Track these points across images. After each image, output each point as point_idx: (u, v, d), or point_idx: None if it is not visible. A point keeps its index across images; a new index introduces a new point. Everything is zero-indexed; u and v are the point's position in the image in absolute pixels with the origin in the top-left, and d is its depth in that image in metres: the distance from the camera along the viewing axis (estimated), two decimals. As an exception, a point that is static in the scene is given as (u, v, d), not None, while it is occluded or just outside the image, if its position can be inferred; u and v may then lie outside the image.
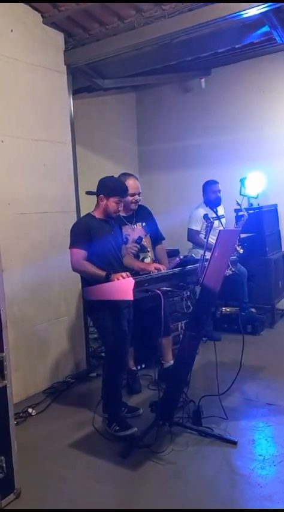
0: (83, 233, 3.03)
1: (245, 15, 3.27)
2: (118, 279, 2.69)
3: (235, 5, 3.22)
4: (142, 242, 3.62)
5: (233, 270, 3.15)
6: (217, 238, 2.67)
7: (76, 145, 5.00)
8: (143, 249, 3.66)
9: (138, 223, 3.70)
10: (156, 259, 3.75)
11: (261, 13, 3.32)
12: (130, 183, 3.50)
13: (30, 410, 3.40)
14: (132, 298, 2.43)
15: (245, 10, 3.20)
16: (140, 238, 3.55)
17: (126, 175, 3.63)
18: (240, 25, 3.64)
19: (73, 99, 4.25)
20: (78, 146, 5.34)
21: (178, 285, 2.76)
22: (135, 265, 3.32)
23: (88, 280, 3.01)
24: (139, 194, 3.61)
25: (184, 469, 2.64)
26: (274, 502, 2.32)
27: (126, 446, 2.85)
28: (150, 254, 3.73)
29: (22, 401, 3.56)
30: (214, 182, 4.87)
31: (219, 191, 4.85)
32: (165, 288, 2.61)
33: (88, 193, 3.32)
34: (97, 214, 3.14)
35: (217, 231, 2.75)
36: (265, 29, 3.65)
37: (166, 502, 2.37)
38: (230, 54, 5.19)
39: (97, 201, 3.14)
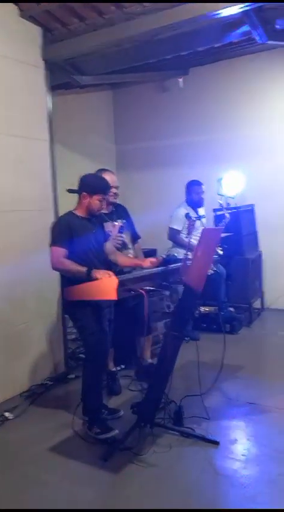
0: (64, 231, 2.96)
1: (225, 14, 3.25)
2: (100, 276, 2.63)
3: (215, 3, 3.21)
4: (124, 239, 3.61)
5: (214, 269, 3.13)
6: (201, 237, 2.65)
7: (54, 143, 4.93)
8: (124, 245, 3.64)
9: (118, 220, 3.69)
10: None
11: (242, 12, 3.32)
12: (107, 177, 3.49)
13: (7, 414, 3.30)
14: (116, 298, 2.38)
15: (225, 8, 3.19)
16: (122, 228, 3.57)
17: (102, 170, 3.65)
18: (220, 24, 3.63)
19: (50, 96, 4.16)
20: (56, 144, 5.26)
21: (161, 284, 2.71)
22: (130, 263, 3.29)
23: (69, 280, 2.93)
24: (117, 188, 3.64)
25: (167, 471, 2.60)
26: (258, 503, 2.30)
27: (107, 449, 2.79)
28: (131, 251, 3.73)
29: (-1, 404, 3.46)
30: (198, 183, 4.87)
31: (203, 192, 4.85)
32: (148, 288, 2.56)
33: (69, 191, 3.25)
34: (79, 213, 3.08)
35: (198, 231, 2.73)
36: (245, 28, 3.66)
37: (149, 505, 2.33)
38: (208, 53, 5.21)
39: (80, 199, 3.07)
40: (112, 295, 2.35)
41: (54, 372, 4.03)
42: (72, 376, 3.95)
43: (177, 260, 2.89)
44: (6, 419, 3.27)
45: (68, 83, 4.84)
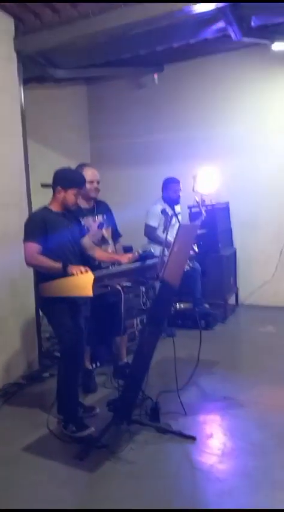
0: (38, 226, 2.90)
1: (201, 10, 3.25)
2: (76, 271, 2.59)
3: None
4: (103, 234, 3.58)
5: (190, 265, 3.12)
6: (177, 233, 2.64)
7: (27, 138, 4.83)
8: (104, 240, 3.61)
9: (98, 215, 3.65)
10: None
11: (217, 9, 3.32)
12: (88, 172, 3.52)
13: (-21, 414, 3.22)
14: (92, 295, 2.34)
15: (200, 3, 3.18)
16: (102, 224, 3.55)
17: (83, 165, 3.62)
18: (196, 20, 3.62)
19: (23, 90, 4.07)
20: (29, 139, 5.15)
21: (137, 281, 2.69)
22: (107, 258, 3.26)
23: (44, 276, 2.87)
24: (98, 182, 3.59)
25: (144, 468, 2.58)
26: (234, 496, 2.31)
27: (83, 447, 2.75)
28: (111, 246, 3.69)
29: None
30: (175, 181, 4.86)
31: (180, 190, 4.84)
32: (125, 284, 2.53)
33: (43, 186, 3.20)
34: (54, 207, 3.02)
35: (174, 228, 2.72)
36: (221, 24, 3.66)
37: (127, 503, 2.30)
38: (183, 50, 5.19)
39: (54, 193, 3.02)
40: (88, 292, 2.31)
41: (27, 371, 3.95)
42: (47, 374, 3.89)
43: (153, 256, 2.87)
44: (-21, 419, 3.19)
45: (41, 76, 4.76)
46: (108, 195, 5.80)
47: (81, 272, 2.57)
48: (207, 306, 5.14)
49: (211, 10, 3.33)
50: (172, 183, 4.85)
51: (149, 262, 2.81)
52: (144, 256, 2.86)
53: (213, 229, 5.21)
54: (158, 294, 2.77)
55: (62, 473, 2.58)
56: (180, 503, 2.28)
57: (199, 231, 4.83)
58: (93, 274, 2.36)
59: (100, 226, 3.58)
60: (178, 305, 5.16)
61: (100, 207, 3.73)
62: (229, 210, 5.76)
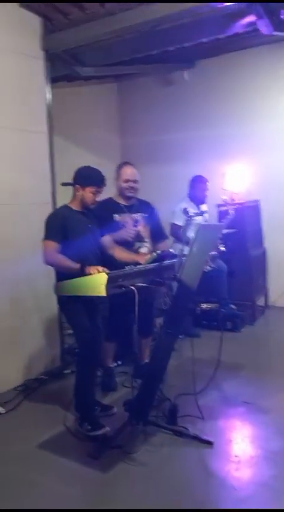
0: (58, 225, 2.91)
1: (229, 4, 3.16)
2: (93, 272, 2.57)
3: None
4: (140, 232, 3.54)
5: (212, 266, 3.05)
6: (197, 233, 2.58)
7: (56, 137, 4.85)
8: (140, 238, 3.56)
9: (137, 213, 3.59)
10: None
11: (247, 2, 3.22)
12: (126, 170, 3.53)
13: (-1, 408, 3.27)
14: (105, 294, 2.32)
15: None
16: (137, 221, 3.49)
17: (125, 163, 3.64)
18: (224, 14, 3.53)
19: (52, 88, 4.10)
20: (58, 137, 5.18)
21: (154, 281, 2.64)
22: (127, 257, 3.19)
23: (62, 275, 2.88)
24: (134, 181, 3.54)
25: (157, 471, 2.54)
26: (249, 506, 2.23)
27: (97, 446, 2.74)
28: (147, 244, 3.62)
29: (-8, 398, 3.43)
30: (203, 180, 4.78)
31: (207, 190, 4.77)
32: (140, 284, 2.49)
33: (64, 184, 3.20)
34: (74, 206, 3.03)
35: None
36: (250, 18, 3.55)
37: (137, 505, 2.27)
38: (214, 46, 5.10)
39: (74, 192, 3.02)
40: (102, 291, 2.29)
41: (49, 367, 3.98)
42: (68, 371, 3.90)
43: (172, 256, 2.81)
44: (-2, 413, 3.24)
45: (70, 75, 4.78)
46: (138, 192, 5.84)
47: (98, 271, 2.56)
48: (233, 307, 5.02)
49: (240, 4, 3.23)
50: (200, 182, 4.77)
51: (167, 262, 2.75)
52: (163, 256, 2.80)
53: (242, 229, 5.07)
54: (175, 294, 2.72)
55: (74, 471, 2.57)
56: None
57: (226, 231, 4.76)
58: (107, 274, 2.33)
59: (135, 223, 3.51)
60: (204, 305, 5.07)
61: (140, 206, 3.66)
62: (259, 209, 5.60)
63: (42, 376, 3.82)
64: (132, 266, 2.67)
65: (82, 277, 2.46)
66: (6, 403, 3.38)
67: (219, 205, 5.02)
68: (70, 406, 3.11)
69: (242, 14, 3.54)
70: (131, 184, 3.52)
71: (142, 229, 3.53)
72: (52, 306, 3.99)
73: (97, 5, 3.59)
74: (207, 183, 4.78)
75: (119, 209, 3.51)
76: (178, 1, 3.25)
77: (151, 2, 3.32)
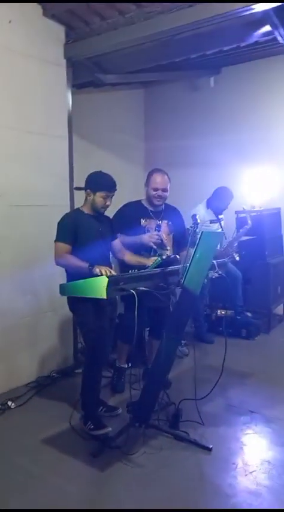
0: (69, 227, 3.00)
1: (244, 14, 3.18)
2: (100, 271, 2.65)
3: (234, 3, 3.15)
4: (163, 240, 3.55)
5: (220, 272, 3.07)
6: (199, 240, 2.62)
7: (81, 140, 4.97)
8: (162, 246, 3.56)
9: (163, 220, 3.61)
10: None
11: (262, 12, 3.23)
12: (157, 177, 3.53)
13: (9, 403, 3.38)
14: (106, 297, 2.39)
15: (243, 8, 3.12)
16: (159, 226, 3.49)
17: (156, 170, 3.62)
18: (241, 23, 3.55)
19: (78, 94, 4.21)
20: (83, 141, 5.32)
21: (157, 286, 2.69)
22: (136, 262, 3.25)
23: (71, 276, 2.98)
24: (163, 190, 3.53)
25: (153, 473, 2.59)
26: (239, 512, 2.26)
27: (98, 445, 2.82)
28: (168, 252, 3.59)
29: (4, 393, 3.55)
30: (231, 195, 4.69)
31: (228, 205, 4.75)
32: (142, 288, 2.55)
33: (76, 188, 3.30)
34: (86, 210, 3.12)
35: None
36: (267, 28, 3.56)
37: (128, 505, 2.33)
38: (241, 52, 5.09)
39: (85, 196, 3.11)
40: (102, 294, 2.36)
41: (62, 365, 4.09)
42: (79, 370, 3.92)
43: (177, 261, 2.86)
44: (9, 407, 3.36)
45: (93, 81, 4.88)
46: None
47: (106, 272, 2.64)
48: (249, 314, 5.00)
49: (256, 13, 3.25)
50: (228, 197, 4.68)
51: (172, 267, 2.80)
52: (168, 261, 2.85)
53: (260, 236, 5.06)
54: (178, 300, 2.77)
55: (74, 468, 2.66)
56: (180, 513, 2.27)
57: (244, 238, 4.76)
58: (108, 277, 2.40)
59: (157, 228, 3.49)
60: (219, 312, 5.07)
61: (167, 212, 3.66)
62: (280, 217, 5.55)
63: (54, 374, 3.93)
64: (136, 270, 2.72)
65: (84, 280, 2.53)
66: (17, 398, 3.51)
67: (238, 212, 5.01)
68: (77, 405, 3.19)
69: (260, 24, 3.55)
70: (159, 193, 3.51)
71: (165, 236, 3.53)
72: (66, 305, 4.11)
73: (117, 15, 3.68)
74: (231, 199, 4.70)
75: (146, 214, 3.53)
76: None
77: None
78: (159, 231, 3.48)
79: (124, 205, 3.63)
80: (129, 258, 3.28)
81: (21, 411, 3.37)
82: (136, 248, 3.44)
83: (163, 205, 3.65)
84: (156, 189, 3.51)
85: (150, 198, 3.55)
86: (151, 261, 3.15)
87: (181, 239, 3.67)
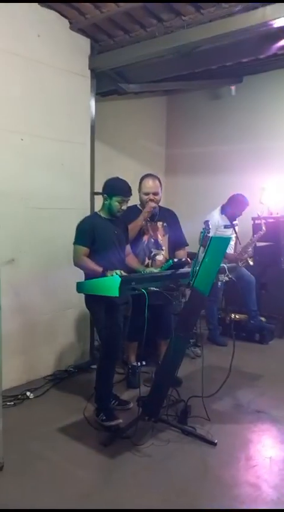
0: (87, 231, 3.19)
1: (260, 29, 3.33)
2: (112, 275, 2.83)
3: (253, 18, 3.30)
4: (159, 240, 3.75)
5: (230, 276, 3.20)
6: (208, 245, 2.76)
7: (104, 146, 5.17)
8: (158, 246, 3.77)
9: (159, 222, 3.80)
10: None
11: (278, 27, 3.36)
12: (147, 182, 3.71)
13: (28, 393, 3.60)
14: (118, 295, 2.57)
15: (261, 23, 3.26)
16: (156, 210, 3.68)
17: (146, 175, 3.79)
18: (259, 37, 3.68)
19: (102, 101, 4.40)
20: (106, 147, 5.53)
21: (167, 287, 2.86)
22: (135, 265, 3.47)
23: (89, 276, 3.17)
24: (154, 194, 3.70)
25: (159, 463, 2.74)
26: (239, 501, 2.40)
27: (109, 435, 2.99)
28: (163, 253, 3.80)
29: (23, 384, 3.77)
30: (247, 203, 4.79)
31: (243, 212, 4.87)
32: (152, 288, 2.72)
33: (95, 193, 3.50)
34: (103, 214, 3.30)
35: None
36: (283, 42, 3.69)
37: (135, 490, 2.49)
38: (261, 62, 5.20)
39: (103, 200, 3.30)
40: (115, 292, 2.54)
41: (79, 361, 4.29)
42: (95, 366, 4.15)
43: (186, 264, 3.02)
44: (27, 398, 3.57)
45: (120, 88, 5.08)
46: (179, 202, 6.07)
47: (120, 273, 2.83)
48: (262, 319, 5.10)
49: (272, 28, 3.38)
50: (243, 205, 4.80)
51: (182, 270, 2.96)
52: (179, 264, 3.01)
53: (276, 242, 5.15)
54: (188, 300, 2.92)
55: (85, 455, 2.83)
56: (182, 499, 2.41)
57: (260, 244, 4.87)
58: (120, 277, 2.57)
59: (155, 210, 3.68)
60: (233, 315, 5.18)
61: (162, 214, 3.84)
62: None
63: (71, 369, 4.13)
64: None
65: (99, 278, 2.72)
66: (35, 389, 3.72)
67: (254, 219, 5.12)
68: (91, 398, 3.37)
69: (277, 37, 3.68)
70: (151, 196, 3.69)
71: (161, 237, 3.73)
72: (84, 303, 4.32)
73: (139, 28, 3.87)
74: (246, 207, 4.81)
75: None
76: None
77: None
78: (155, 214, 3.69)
79: None
80: (130, 261, 3.47)
81: (39, 402, 3.57)
82: (137, 251, 3.65)
83: (158, 208, 3.80)
84: (147, 194, 3.69)
85: (143, 203, 3.74)
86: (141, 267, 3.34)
87: (177, 239, 3.87)
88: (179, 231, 3.90)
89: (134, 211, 3.68)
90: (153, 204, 3.64)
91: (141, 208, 3.77)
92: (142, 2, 3.46)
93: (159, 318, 3.70)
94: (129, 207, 3.34)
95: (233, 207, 4.84)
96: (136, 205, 3.76)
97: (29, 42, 3.71)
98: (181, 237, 3.92)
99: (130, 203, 3.76)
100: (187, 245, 3.98)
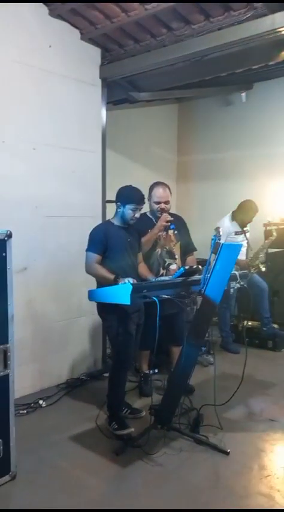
0: (99, 238, 3.21)
1: (269, 36, 3.33)
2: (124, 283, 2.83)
3: (262, 26, 3.30)
4: (172, 249, 3.75)
5: (242, 283, 3.19)
6: (219, 252, 2.76)
7: (116, 154, 5.19)
8: (171, 255, 3.76)
9: (170, 230, 3.78)
10: None
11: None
12: (158, 191, 3.71)
13: (41, 401, 3.61)
14: (129, 303, 2.57)
15: (269, 31, 3.27)
16: (173, 224, 3.65)
17: (156, 184, 3.79)
18: (268, 44, 3.68)
19: (114, 110, 4.43)
20: (117, 155, 5.56)
21: (179, 294, 2.85)
22: (145, 274, 3.45)
23: (101, 283, 3.18)
24: (166, 203, 3.70)
25: (171, 472, 2.73)
26: (251, 513, 2.37)
27: (121, 444, 2.98)
28: (177, 262, 3.78)
29: (36, 392, 3.79)
30: (256, 209, 4.76)
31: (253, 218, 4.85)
32: (164, 296, 2.72)
33: (108, 201, 3.51)
34: (116, 221, 3.31)
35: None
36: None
37: (146, 499, 2.48)
38: (271, 69, 5.19)
39: (116, 208, 3.31)
40: (126, 300, 2.55)
41: (91, 369, 4.30)
42: (107, 374, 4.16)
43: (197, 271, 3.01)
44: (40, 406, 3.59)
45: (131, 97, 5.11)
46: (191, 208, 6.08)
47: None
48: (275, 326, 5.05)
49: (281, 35, 3.38)
50: (252, 211, 4.76)
51: (193, 277, 2.95)
52: (191, 271, 3.00)
53: (288, 249, 5.13)
54: (199, 308, 2.91)
55: (97, 463, 2.83)
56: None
57: (272, 250, 4.84)
58: (132, 284, 2.58)
59: (172, 227, 3.67)
60: (246, 323, 5.14)
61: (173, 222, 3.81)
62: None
63: (83, 377, 4.14)
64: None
65: (110, 286, 2.73)
66: (48, 397, 3.73)
67: (266, 225, 5.09)
68: (104, 406, 3.37)
69: (284, 44, 3.68)
70: (162, 206, 3.69)
71: (173, 246, 3.72)
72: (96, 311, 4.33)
73: (150, 38, 3.90)
74: (256, 213, 4.78)
75: (152, 226, 3.69)
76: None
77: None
78: (172, 227, 3.65)
79: None
80: (141, 270, 3.46)
81: (51, 410, 3.58)
82: (149, 265, 3.63)
83: (172, 219, 3.75)
84: (158, 203, 3.69)
85: (153, 211, 3.73)
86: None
87: (186, 245, 3.87)
88: (187, 236, 3.91)
89: (144, 220, 3.69)
90: (169, 217, 3.62)
91: (151, 216, 3.77)
92: (170, 2, 3.41)
93: (172, 325, 3.69)
94: (104, 223, 3.32)
95: (242, 213, 4.83)
96: (146, 213, 3.77)
97: (41, 53, 3.77)
98: (189, 242, 3.93)
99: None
100: (195, 250, 3.98)
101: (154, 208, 3.71)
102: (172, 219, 3.60)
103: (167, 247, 3.73)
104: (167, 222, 3.59)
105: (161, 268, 3.71)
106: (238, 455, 2.91)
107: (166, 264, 3.69)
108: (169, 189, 3.76)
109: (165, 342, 3.92)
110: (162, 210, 3.69)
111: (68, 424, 3.32)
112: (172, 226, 3.64)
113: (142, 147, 6.27)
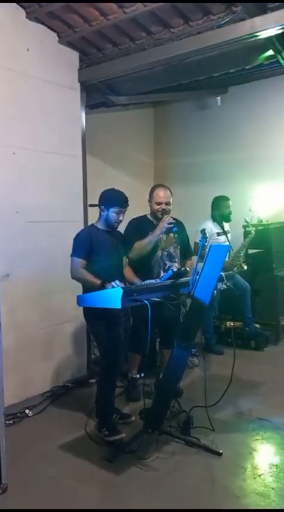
0: (84, 243, 3.17)
1: (248, 40, 3.38)
2: (111, 287, 2.81)
3: (241, 30, 3.35)
4: (172, 252, 3.73)
5: (228, 284, 3.20)
6: (208, 253, 2.77)
7: (93, 159, 5.16)
8: (171, 258, 3.74)
9: (171, 233, 3.75)
10: None
11: (265, 38, 3.42)
12: (159, 192, 3.68)
13: (27, 411, 3.53)
14: (120, 307, 2.54)
15: (248, 35, 3.32)
16: (176, 227, 3.59)
17: (157, 185, 3.79)
18: (246, 48, 3.74)
19: (91, 114, 4.41)
20: (96, 159, 5.53)
21: (168, 297, 2.85)
22: (131, 278, 3.45)
23: (87, 288, 3.13)
24: (167, 204, 3.66)
25: (166, 477, 2.71)
26: (249, 513, 2.37)
27: (112, 450, 2.94)
28: (177, 265, 3.75)
29: (21, 402, 3.69)
30: (227, 198, 4.92)
31: (230, 207, 4.91)
32: (154, 299, 2.70)
33: (90, 205, 3.48)
34: (100, 225, 3.29)
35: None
36: (270, 52, 3.74)
37: (142, 505, 2.45)
38: (246, 73, 5.29)
39: (99, 212, 3.28)
40: (117, 304, 2.52)
41: (76, 375, 4.23)
42: (93, 380, 4.11)
43: (186, 274, 3.01)
44: (26, 416, 3.50)
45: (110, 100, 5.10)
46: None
47: (117, 285, 2.80)
48: (257, 325, 5.11)
49: (259, 39, 3.44)
50: (224, 200, 4.90)
51: (182, 279, 2.95)
52: (179, 273, 3.00)
53: (267, 249, 5.21)
54: (189, 310, 2.91)
55: (89, 471, 2.78)
56: (192, 512, 2.38)
57: (252, 251, 4.91)
58: (122, 288, 2.55)
59: (174, 229, 3.59)
60: (228, 323, 5.19)
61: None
62: (287, 230, 5.68)
63: (69, 384, 4.07)
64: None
65: (100, 291, 2.70)
66: (34, 406, 3.65)
67: (244, 226, 5.16)
68: (92, 413, 3.33)
69: (263, 48, 3.74)
70: (163, 206, 3.65)
71: (174, 249, 3.71)
72: (81, 317, 4.25)
73: (129, 41, 3.91)
74: (229, 201, 4.90)
75: (152, 227, 3.65)
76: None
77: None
78: (175, 229, 3.59)
79: (133, 220, 3.78)
80: (126, 274, 3.46)
81: (38, 419, 3.51)
82: (149, 268, 3.60)
83: (174, 221, 3.76)
84: (159, 203, 3.66)
85: (154, 213, 3.70)
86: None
87: (185, 249, 3.87)
88: (187, 241, 3.89)
89: (145, 222, 3.67)
90: (171, 219, 3.57)
91: (151, 218, 3.74)
92: (168, 2, 3.41)
93: (168, 328, 3.65)
94: (139, 218, 3.30)
95: (218, 209, 4.92)
96: (146, 215, 3.74)
97: (19, 57, 3.71)
98: (188, 246, 3.94)
99: (140, 213, 3.83)
100: (193, 254, 3.98)
101: (155, 209, 3.67)
102: (174, 221, 3.59)
103: (168, 250, 3.71)
104: (169, 224, 3.57)
105: (161, 271, 3.69)
106: (231, 455, 2.92)
107: (167, 266, 3.66)
108: (170, 191, 3.74)
109: (162, 344, 3.87)
110: (163, 211, 3.66)
111: (56, 433, 3.25)
112: (175, 229, 3.58)
113: (119, 152, 6.26)
